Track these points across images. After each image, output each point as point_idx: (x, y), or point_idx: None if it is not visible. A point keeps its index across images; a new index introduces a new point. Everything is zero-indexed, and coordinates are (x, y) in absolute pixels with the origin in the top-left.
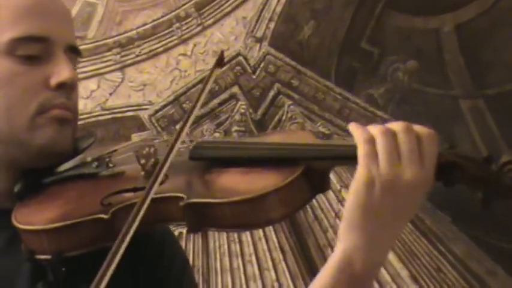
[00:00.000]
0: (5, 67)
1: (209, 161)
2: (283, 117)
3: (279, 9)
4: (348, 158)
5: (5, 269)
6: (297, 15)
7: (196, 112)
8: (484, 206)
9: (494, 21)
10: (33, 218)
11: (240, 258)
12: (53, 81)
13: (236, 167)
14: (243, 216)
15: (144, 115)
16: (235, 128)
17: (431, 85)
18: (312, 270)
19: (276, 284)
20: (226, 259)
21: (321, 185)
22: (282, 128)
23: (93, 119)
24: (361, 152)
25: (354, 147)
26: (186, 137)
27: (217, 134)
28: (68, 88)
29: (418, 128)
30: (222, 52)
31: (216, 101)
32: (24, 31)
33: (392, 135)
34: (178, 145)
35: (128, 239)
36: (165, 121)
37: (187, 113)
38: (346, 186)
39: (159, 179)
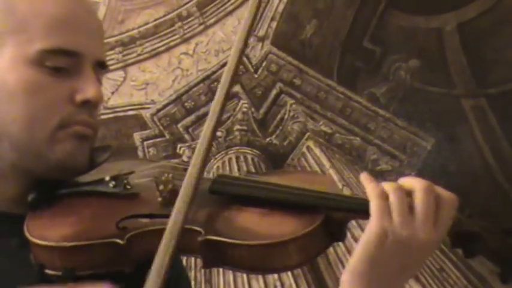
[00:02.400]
0: (31, 77)
1: (229, 197)
2: (285, 116)
3: (281, 8)
4: (365, 212)
5: (14, 274)
6: (299, 14)
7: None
8: (502, 279)
9: (496, 21)
10: (47, 233)
11: None
12: (79, 97)
13: (256, 207)
14: (260, 259)
15: (146, 114)
16: (237, 127)
17: (434, 84)
18: (314, 270)
19: (278, 283)
20: None
21: (339, 234)
22: (288, 133)
23: None
24: (374, 206)
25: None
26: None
27: (219, 133)
28: (92, 106)
29: (439, 189)
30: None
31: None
32: (56, 44)
33: (405, 192)
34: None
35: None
36: (167, 120)
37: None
38: (348, 185)
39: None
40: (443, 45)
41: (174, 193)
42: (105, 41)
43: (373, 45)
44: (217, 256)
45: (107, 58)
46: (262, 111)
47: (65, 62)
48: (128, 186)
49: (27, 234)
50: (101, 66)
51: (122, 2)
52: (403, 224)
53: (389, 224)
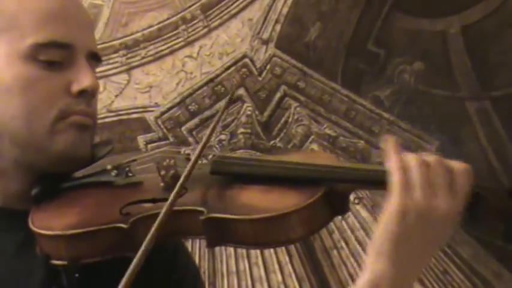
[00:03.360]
0: (26, 72)
1: (230, 176)
2: (290, 119)
3: (285, 11)
4: (373, 182)
5: (18, 270)
6: (303, 17)
7: (216, 129)
8: (505, 238)
9: (500, 23)
10: (51, 223)
11: (246, 261)
12: (75, 88)
13: (257, 185)
14: (263, 234)
15: (149, 117)
16: (241, 130)
17: (438, 87)
18: (317, 273)
19: (282, 286)
20: (233, 261)
21: (341, 206)
22: (292, 135)
23: (99, 121)
24: (396, 179)
25: (381, 173)
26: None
27: (223, 136)
28: (89, 95)
29: (453, 162)
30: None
31: (222, 103)
32: (48, 37)
33: (427, 167)
34: (199, 159)
35: (147, 251)
36: (171, 123)
37: (209, 129)
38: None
39: (179, 192)
40: (447, 48)
41: (176, 178)
42: (109, 44)
43: (378, 48)
44: (221, 234)
45: (111, 61)
46: (266, 114)
47: (58, 54)
48: (130, 174)
49: (31, 226)
50: (95, 58)
51: (126, 4)
52: (424, 198)
53: (411, 200)
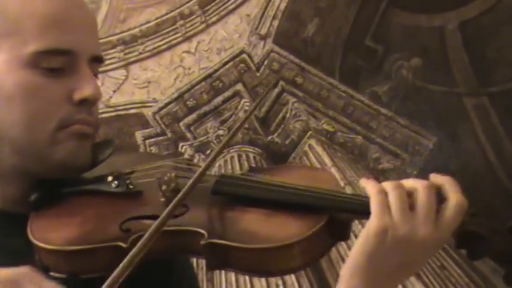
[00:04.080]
0: (28, 79)
1: (232, 197)
2: (287, 115)
3: (282, 6)
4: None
5: None
6: (301, 12)
7: (225, 147)
8: (507, 281)
9: (498, 19)
10: (50, 236)
11: None
12: (76, 96)
13: (259, 208)
14: (264, 263)
15: (147, 112)
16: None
17: (436, 83)
18: (316, 269)
19: (280, 282)
20: None
21: (343, 234)
22: (290, 131)
23: None
24: (373, 201)
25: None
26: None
27: (221, 132)
28: (90, 104)
29: (451, 192)
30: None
31: (219, 99)
32: (50, 44)
33: (403, 189)
34: (200, 177)
35: (129, 266)
36: (169, 118)
37: (217, 146)
38: (350, 184)
39: (174, 210)
40: (445, 43)
41: (177, 192)
42: (107, 39)
43: (375, 43)
44: (221, 259)
45: (109, 57)
46: (264, 109)
47: (60, 61)
48: (131, 186)
49: (31, 237)
50: (97, 61)
51: (124, 0)
52: (402, 220)
53: (389, 220)
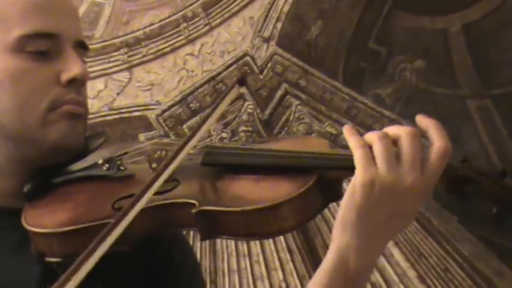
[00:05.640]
0: (15, 64)
1: (221, 167)
2: (291, 118)
3: (286, 9)
4: None
5: (16, 269)
6: (304, 15)
7: (212, 121)
8: (497, 222)
9: (502, 21)
10: (44, 221)
11: (247, 259)
12: (64, 77)
13: (249, 174)
14: (256, 225)
15: (151, 115)
16: (242, 128)
17: (439, 85)
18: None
19: (283, 284)
20: (234, 259)
21: (334, 194)
22: (293, 133)
23: (100, 119)
24: (357, 155)
25: None
26: (197, 143)
27: (224, 134)
28: (79, 83)
29: (435, 138)
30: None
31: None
32: (33, 27)
33: (388, 139)
34: (188, 148)
35: (114, 236)
36: (172, 121)
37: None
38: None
39: (163, 176)
40: (448, 46)
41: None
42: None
43: (379, 46)
44: (214, 226)
45: (112, 59)
46: (267, 112)
47: (45, 44)
48: (122, 168)
49: (24, 223)
50: (82, 46)
51: (127, 3)
52: (388, 170)
53: (375, 172)
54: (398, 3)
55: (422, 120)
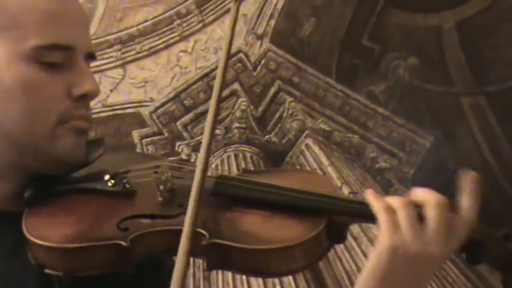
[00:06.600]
0: (28, 74)
1: (232, 198)
2: (284, 114)
3: (279, 6)
4: (373, 218)
5: (12, 273)
6: (297, 12)
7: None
8: (505, 286)
9: (495, 18)
10: (47, 232)
11: None
12: (76, 91)
13: (259, 209)
14: (265, 264)
15: (144, 112)
16: (235, 124)
17: (432, 82)
18: (312, 268)
19: (277, 282)
20: None
21: (340, 236)
22: (286, 130)
23: (94, 116)
24: (382, 220)
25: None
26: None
27: (218, 131)
28: (89, 98)
29: (463, 206)
30: None
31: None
32: (51, 39)
33: (413, 206)
34: (201, 178)
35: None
36: (166, 118)
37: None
38: (346, 183)
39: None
40: (442, 43)
41: (173, 192)
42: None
43: (372, 43)
44: (222, 259)
45: (106, 56)
46: (261, 109)
47: (59, 56)
48: (127, 185)
49: (26, 233)
50: (91, 57)
51: (121, 0)
52: (413, 238)
53: (400, 238)
54: (392, 0)
55: (465, 189)
